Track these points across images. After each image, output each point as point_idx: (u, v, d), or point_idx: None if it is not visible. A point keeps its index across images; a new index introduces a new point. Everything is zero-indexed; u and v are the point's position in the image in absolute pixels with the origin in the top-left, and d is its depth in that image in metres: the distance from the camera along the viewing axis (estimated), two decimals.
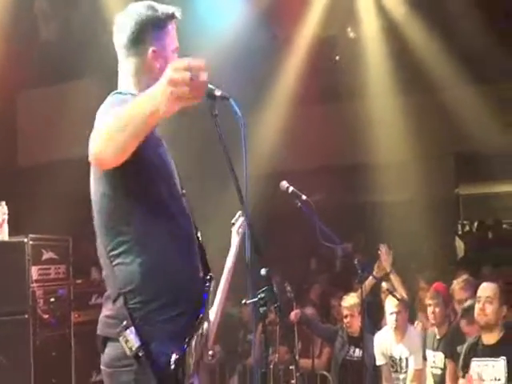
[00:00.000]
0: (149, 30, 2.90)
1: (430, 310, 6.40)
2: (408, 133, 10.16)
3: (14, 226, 6.56)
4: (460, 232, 12.55)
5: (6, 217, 6.43)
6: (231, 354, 8.01)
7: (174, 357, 2.70)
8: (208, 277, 3.01)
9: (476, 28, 9.01)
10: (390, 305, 6.54)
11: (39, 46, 8.41)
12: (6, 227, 6.42)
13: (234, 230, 4.66)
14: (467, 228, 12.86)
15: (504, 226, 11.98)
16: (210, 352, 3.26)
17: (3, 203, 6.45)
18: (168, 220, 2.87)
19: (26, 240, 6.38)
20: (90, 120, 2.82)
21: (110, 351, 2.80)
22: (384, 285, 6.50)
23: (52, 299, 6.64)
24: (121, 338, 2.72)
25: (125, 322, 2.72)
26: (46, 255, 6.65)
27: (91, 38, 8.10)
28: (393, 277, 6.84)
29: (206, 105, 2.79)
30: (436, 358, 6.30)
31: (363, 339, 6.37)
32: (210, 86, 2.74)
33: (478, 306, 5.33)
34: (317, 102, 10.32)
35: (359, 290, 6.18)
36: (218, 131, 2.80)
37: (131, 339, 2.71)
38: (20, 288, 6.27)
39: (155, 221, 2.83)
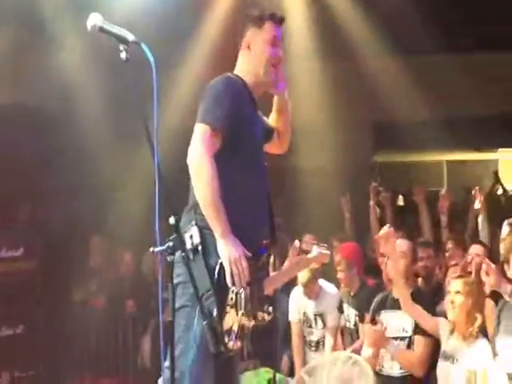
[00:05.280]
0: None
1: (338, 274, 6.58)
2: (326, 100, 10.19)
3: None
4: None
5: None
6: (144, 310, 7.94)
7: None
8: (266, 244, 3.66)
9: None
10: None
11: None
12: None
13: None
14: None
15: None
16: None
17: None
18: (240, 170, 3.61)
19: None
20: None
21: None
22: (296, 243, 6.63)
23: None
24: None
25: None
26: None
27: None
28: None
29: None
30: (350, 313, 6.48)
31: (276, 297, 6.48)
32: (123, 30, 2.72)
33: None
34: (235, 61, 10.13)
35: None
36: (131, 77, 2.78)
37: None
38: None
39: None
